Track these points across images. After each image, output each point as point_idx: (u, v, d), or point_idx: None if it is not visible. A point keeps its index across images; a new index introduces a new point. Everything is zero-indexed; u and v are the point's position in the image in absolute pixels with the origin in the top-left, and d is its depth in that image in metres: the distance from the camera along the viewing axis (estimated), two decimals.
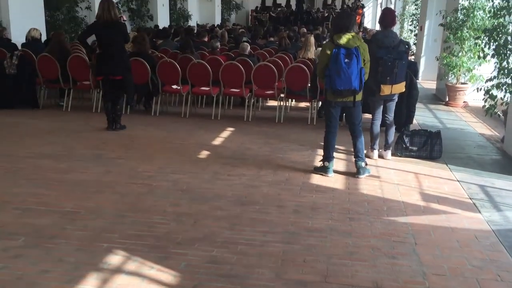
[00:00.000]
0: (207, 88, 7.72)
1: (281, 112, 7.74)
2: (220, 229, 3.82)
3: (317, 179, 5.06)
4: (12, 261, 3.27)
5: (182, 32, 12.85)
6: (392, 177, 5.20)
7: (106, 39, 6.47)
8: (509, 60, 6.30)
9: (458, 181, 5.11)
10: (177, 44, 10.61)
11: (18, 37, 9.38)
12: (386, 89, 5.38)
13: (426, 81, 12.19)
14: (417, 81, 7.14)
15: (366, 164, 5.23)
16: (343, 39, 4.74)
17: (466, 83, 9.29)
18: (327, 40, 12.26)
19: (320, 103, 7.97)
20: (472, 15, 8.62)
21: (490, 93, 6.53)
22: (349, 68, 4.71)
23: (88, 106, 8.25)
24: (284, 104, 8.11)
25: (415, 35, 15.18)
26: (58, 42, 8.16)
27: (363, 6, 29.63)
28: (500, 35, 6.36)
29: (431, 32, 12.28)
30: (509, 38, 6.24)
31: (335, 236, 3.76)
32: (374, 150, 5.81)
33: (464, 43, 8.84)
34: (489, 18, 7.73)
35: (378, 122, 5.69)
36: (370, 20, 30.80)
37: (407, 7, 16.83)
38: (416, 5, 15.84)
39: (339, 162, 5.54)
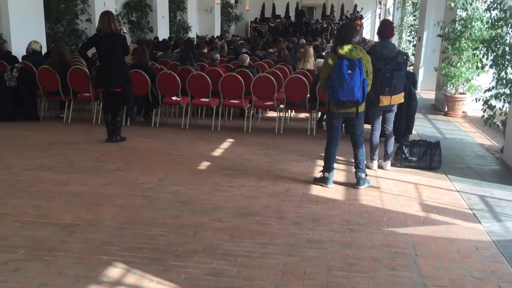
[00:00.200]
0: (207, 100, 7.75)
1: (280, 123, 7.75)
2: (220, 241, 3.81)
3: (317, 190, 5.06)
4: (12, 274, 3.26)
5: (182, 44, 12.91)
6: (392, 187, 5.20)
7: (106, 52, 6.50)
8: (507, 71, 6.32)
9: (457, 191, 5.11)
10: (177, 55, 10.67)
11: (18, 49, 9.43)
12: (385, 100, 5.41)
13: (425, 91, 12.22)
14: (416, 91, 7.16)
15: (366, 175, 5.24)
16: (346, 51, 4.76)
17: (464, 93, 9.32)
18: (326, 51, 12.40)
19: (320, 113, 8.00)
20: (470, 26, 8.67)
21: (489, 103, 6.54)
22: (352, 79, 4.72)
23: (88, 118, 8.26)
24: (284, 115, 8.13)
25: (414, 45, 15.24)
26: (59, 55, 8.19)
27: (361, 17, 29.85)
28: (498, 46, 6.39)
29: (430, 43, 12.34)
30: (507, 48, 6.27)
31: (335, 247, 3.75)
32: (374, 161, 5.81)
33: (462, 53, 8.88)
34: (487, 29, 7.77)
35: (377, 133, 5.70)
36: (369, 31, 31.01)
37: (405, 18, 16.92)
38: (414, 16, 15.92)
39: (338, 172, 5.54)
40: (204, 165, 5.91)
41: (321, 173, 5.23)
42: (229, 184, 5.18)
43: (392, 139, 5.85)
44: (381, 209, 4.57)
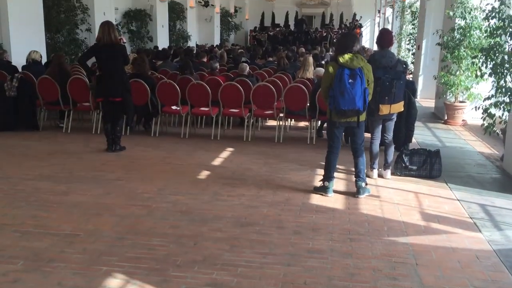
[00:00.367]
0: (207, 109, 7.76)
1: (280, 132, 7.75)
2: (220, 251, 3.80)
3: (317, 199, 5.05)
4: (11, 286, 3.25)
5: (182, 53, 12.96)
6: (392, 196, 5.19)
7: (106, 61, 6.51)
8: (507, 79, 6.33)
9: (458, 200, 5.10)
10: (176, 65, 10.69)
11: (18, 59, 9.44)
12: (384, 109, 5.41)
13: (425, 100, 12.24)
14: (416, 99, 7.17)
15: (366, 184, 5.23)
16: (347, 59, 4.76)
17: (464, 102, 9.33)
18: (326, 60, 12.43)
19: (320, 122, 8.00)
20: (468, 34, 8.70)
21: (489, 111, 6.55)
22: (353, 88, 4.72)
23: (88, 127, 8.27)
24: (283, 123, 8.14)
25: (413, 54, 15.29)
26: (59, 64, 8.21)
27: (360, 26, 29.97)
28: (497, 54, 6.41)
29: (429, 51, 12.38)
30: (505, 57, 6.28)
31: (335, 257, 3.73)
32: (374, 170, 5.81)
33: (462, 62, 8.90)
34: (486, 38, 7.79)
35: (377, 142, 5.70)
36: (368, 39, 31.11)
37: (404, 26, 16.98)
38: (413, 24, 15.98)
39: (338, 181, 5.53)
40: (204, 174, 5.90)
41: (321, 182, 5.23)
42: (229, 194, 5.17)
43: (392, 148, 5.85)
44: (382, 218, 4.56)
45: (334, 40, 24.43)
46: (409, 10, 16.50)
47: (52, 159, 6.43)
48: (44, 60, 9.79)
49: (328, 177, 5.16)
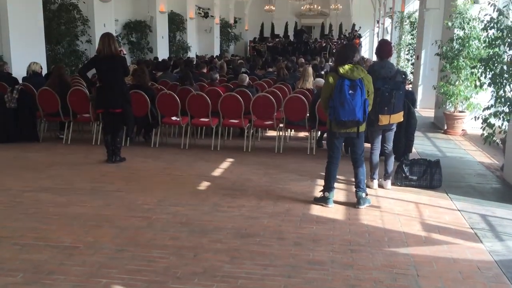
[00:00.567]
0: (207, 119, 7.77)
1: (280, 142, 7.76)
2: (220, 263, 3.78)
3: (317, 210, 5.04)
4: None
5: (182, 64, 13.00)
6: (393, 207, 5.18)
7: (107, 73, 6.53)
8: (506, 89, 6.34)
9: (459, 210, 5.09)
10: (176, 76, 10.73)
11: (19, 71, 9.48)
12: (384, 119, 5.42)
13: (424, 110, 12.26)
14: (415, 109, 7.18)
15: (367, 194, 5.22)
16: (347, 70, 4.78)
17: (464, 112, 9.34)
18: (325, 70, 12.47)
19: (319, 132, 8.01)
20: (467, 44, 8.73)
21: (488, 121, 6.55)
22: (353, 99, 4.73)
23: (88, 139, 8.27)
24: (283, 134, 8.14)
25: (412, 64, 15.34)
26: (59, 76, 8.24)
27: (360, 36, 30.09)
28: (496, 64, 6.43)
29: (428, 61, 12.42)
30: (504, 67, 6.30)
31: (336, 268, 3.72)
32: (374, 180, 5.80)
33: (461, 72, 8.93)
34: (484, 48, 7.82)
35: (377, 152, 5.70)
36: (367, 49, 31.23)
37: (403, 36, 17.05)
38: (412, 35, 16.05)
39: (339, 192, 5.52)
40: (204, 185, 5.89)
41: (321, 192, 5.22)
42: (229, 205, 5.16)
43: (392, 158, 5.85)
44: (382, 229, 4.54)
45: (334, 51, 24.55)
46: (408, 21, 16.58)
47: (52, 170, 6.43)
48: (44, 71, 9.82)
49: (328, 187, 5.15)
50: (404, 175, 5.87)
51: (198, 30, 23.53)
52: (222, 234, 4.34)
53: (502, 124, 6.45)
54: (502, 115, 6.36)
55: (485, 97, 7.82)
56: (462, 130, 9.31)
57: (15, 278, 3.50)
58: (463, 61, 8.81)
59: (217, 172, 6.49)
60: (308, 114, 7.42)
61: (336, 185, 5.31)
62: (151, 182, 5.96)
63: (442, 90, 9.17)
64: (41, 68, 9.24)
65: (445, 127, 9.51)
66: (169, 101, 7.68)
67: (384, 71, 5.43)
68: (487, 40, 6.86)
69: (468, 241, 4.28)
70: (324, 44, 28.59)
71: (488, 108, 6.63)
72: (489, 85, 6.60)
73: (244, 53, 29.93)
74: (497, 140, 6.84)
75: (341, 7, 30.99)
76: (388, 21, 22.59)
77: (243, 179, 6.14)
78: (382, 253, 4.01)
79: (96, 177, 6.15)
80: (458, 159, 7.35)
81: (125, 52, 14.29)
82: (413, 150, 7.10)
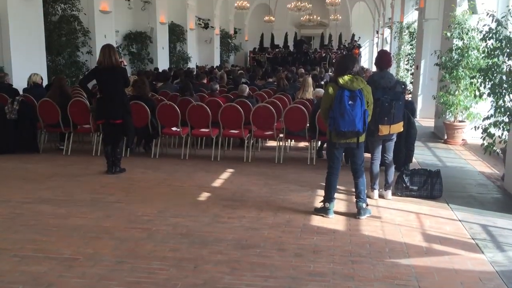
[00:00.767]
0: (207, 130, 7.77)
1: (280, 153, 7.75)
2: (221, 274, 3.76)
3: (317, 220, 5.03)
4: None
5: (182, 75, 13.04)
6: (394, 217, 5.16)
7: (107, 84, 6.55)
8: (505, 99, 6.36)
9: (459, 220, 5.07)
10: (176, 86, 10.75)
11: (20, 82, 9.50)
12: (384, 130, 5.42)
13: (424, 119, 12.28)
14: (415, 119, 7.19)
15: (367, 205, 5.20)
16: (347, 81, 4.79)
17: (464, 121, 9.35)
18: (325, 80, 12.51)
19: (319, 143, 8.01)
20: (466, 54, 8.77)
21: (488, 131, 6.56)
22: (353, 110, 4.74)
23: (88, 149, 8.27)
24: (283, 144, 8.14)
25: (412, 74, 15.39)
26: (60, 87, 8.26)
27: (359, 46, 30.23)
28: (495, 75, 6.45)
29: (427, 71, 12.46)
30: (503, 77, 6.32)
31: (337, 280, 3.70)
32: (375, 190, 5.79)
33: (460, 82, 8.95)
34: (483, 58, 7.84)
35: (377, 162, 5.70)
36: (367, 59, 31.35)
37: (402, 47, 17.13)
38: (411, 45, 16.12)
39: (339, 202, 5.51)
40: (204, 196, 5.88)
41: (322, 203, 5.21)
42: (229, 215, 5.14)
43: (393, 168, 5.85)
44: (383, 240, 4.53)
45: (333, 61, 24.63)
46: (407, 31, 16.66)
47: (52, 181, 6.42)
48: (45, 82, 9.84)
49: (328, 198, 5.14)
50: (404, 185, 5.86)
51: (198, 40, 23.64)
52: (222, 246, 4.33)
53: (502, 134, 6.46)
54: (502, 125, 6.38)
55: (484, 107, 7.84)
56: (462, 139, 9.32)
57: None
58: (463, 71, 8.84)
59: (217, 183, 6.48)
60: (308, 124, 7.43)
61: (336, 195, 5.30)
62: (151, 193, 5.95)
63: (442, 100, 9.19)
64: (42, 79, 9.26)
65: (445, 137, 9.52)
66: (170, 112, 7.69)
67: (384, 81, 5.45)
68: (486, 50, 6.89)
69: (470, 252, 4.26)
70: (324, 54, 28.69)
71: (488, 118, 6.65)
72: (489, 95, 6.62)
73: (244, 63, 30.04)
74: (497, 150, 6.84)
75: (340, 17, 31.15)
76: (387, 31, 22.70)
77: (243, 189, 6.13)
78: (383, 264, 3.99)
79: (96, 188, 6.14)
80: (459, 169, 7.34)
81: (125, 63, 14.32)
82: (414, 160, 7.09)
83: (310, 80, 9.07)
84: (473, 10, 8.78)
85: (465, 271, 3.89)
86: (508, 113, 6.27)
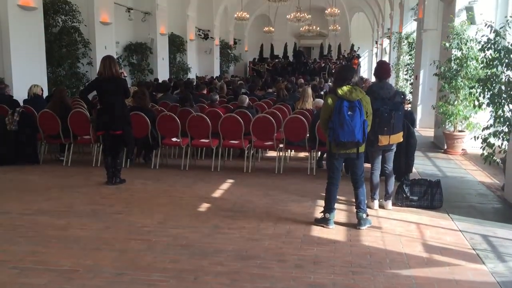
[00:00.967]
0: (207, 141, 7.78)
1: (280, 163, 7.75)
2: (221, 286, 3.75)
3: (318, 231, 5.01)
4: None
5: (182, 85, 13.07)
6: (394, 227, 5.15)
7: (107, 95, 6.57)
8: (504, 109, 6.38)
9: (460, 231, 5.06)
10: (176, 97, 10.77)
11: (20, 93, 9.52)
12: (384, 140, 5.43)
13: (424, 129, 12.29)
14: (415, 129, 7.20)
15: (367, 215, 5.20)
16: (346, 92, 4.81)
17: (463, 131, 9.36)
18: (325, 90, 12.54)
19: (319, 153, 8.01)
20: (465, 65, 8.79)
21: (488, 141, 6.57)
22: (352, 120, 4.75)
23: (88, 160, 8.27)
24: (283, 154, 8.15)
25: (411, 84, 15.43)
26: (60, 98, 8.29)
27: (358, 56, 30.34)
28: (494, 85, 6.47)
29: (427, 81, 12.51)
30: (502, 87, 6.34)
31: None
32: (375, 200, 5.79)
33: (459, 92, 8.97)
34: (482, 68, 7.87)
35: (377, 172, 5.70)
36: (366, 69, 31.46)
37: (401, 57, 17.19)
38: (410, 55, 16.18)
39: (339, 213, 5.50)
40: (204, 206, 5.87)
41: (322, 213, 5.20)
42: (230, 226, 5.13)
43: (393, 178, 5.85)
44: (384, 250, 4.52)
45: (333, 71, 24.71)
46: (406, 41, 16.73)
47: (51, 193, 6.41)
48: (45, 93, 9.86)
49: (328, 208, 5.13)
50: (404, 195, 5.85)
51: (198, 51, 23.73)
52: (222, 257, 4.32)
53: (502, 144, 6.46)
54: (501, 134, 6.39)
55: (484, 116, 7.85)
56: (462, 149, 9.32)
57: None
58: (462, 81, 8.87)
59: (217, 194, 6.47)
60: (308, 135, 7.44)
61: (336, 206, 5.29)
62: (151, 204, 5.94)
63: (441, 109, 9.20)
64: (42, 91, 9.29)
65: (445, 147, 9.52)
66: (169, 123, 7.71)
67: (383, 91, 5.46)
68: (485, 60, 6.92)
69: (470, 263, 4.25)
70: (323, 65, 28.81)
71: (487, 127, 6.66)
72: (488, 105, 6.64)
73: (244, 74, 30.14)
74: (497, 160, 6.85)
75: (339, 28, 31.32)
76: (386, 42, 22.81)
77: (243, 200, 6.13)
78: (384, 275, 3.98)
79: (96, 199, 6.14)
80: (459, 179, 7.34)
81: (125, 75, 14.39)
82: (414, 170, 7.09)
83: (309, 90, 9.10)
84: (471, 20, 8.83)
85: (466, 281, 3.88)
86: (507, 123, 6.28)
